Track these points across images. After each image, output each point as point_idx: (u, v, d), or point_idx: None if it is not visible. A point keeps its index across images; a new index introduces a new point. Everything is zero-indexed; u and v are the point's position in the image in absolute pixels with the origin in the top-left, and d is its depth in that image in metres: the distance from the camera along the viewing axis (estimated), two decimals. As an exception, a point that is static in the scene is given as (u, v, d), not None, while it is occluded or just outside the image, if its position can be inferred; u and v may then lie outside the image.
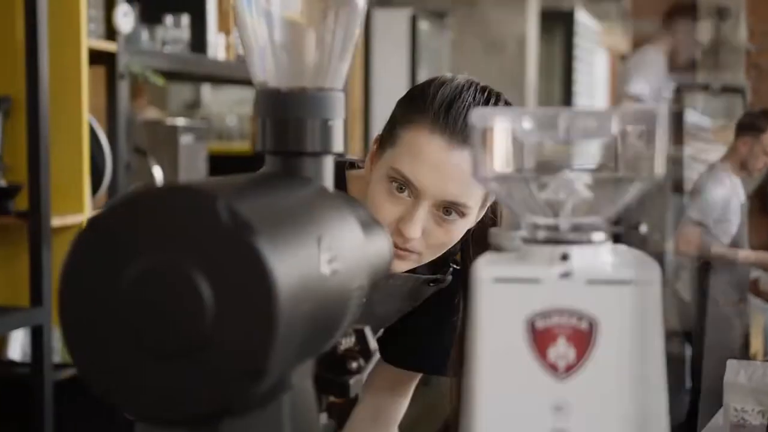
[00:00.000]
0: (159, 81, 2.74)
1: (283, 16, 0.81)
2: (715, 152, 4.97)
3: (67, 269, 0.63)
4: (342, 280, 0.70)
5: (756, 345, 4.77)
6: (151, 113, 4.31)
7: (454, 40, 5.25)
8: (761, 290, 4.65)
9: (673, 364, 4.58)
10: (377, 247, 0.84)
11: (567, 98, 7.34)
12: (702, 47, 4.31)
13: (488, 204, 1.30)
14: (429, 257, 1.27)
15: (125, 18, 2.64)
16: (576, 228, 0.70)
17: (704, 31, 8.93)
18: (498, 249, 0.77)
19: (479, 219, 1.31)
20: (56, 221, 2.42)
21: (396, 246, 1.22)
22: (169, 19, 3.02)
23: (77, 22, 2.48)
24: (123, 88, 2.69)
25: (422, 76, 5.80)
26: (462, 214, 1.23)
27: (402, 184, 1.22)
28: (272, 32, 0.81)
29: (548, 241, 0.69)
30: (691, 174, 6.13)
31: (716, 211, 4.18)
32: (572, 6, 6.89)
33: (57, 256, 2.39)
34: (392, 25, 4.84)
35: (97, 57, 2.64)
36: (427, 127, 1.20)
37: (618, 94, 4.33)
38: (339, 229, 0.74)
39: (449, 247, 1.28)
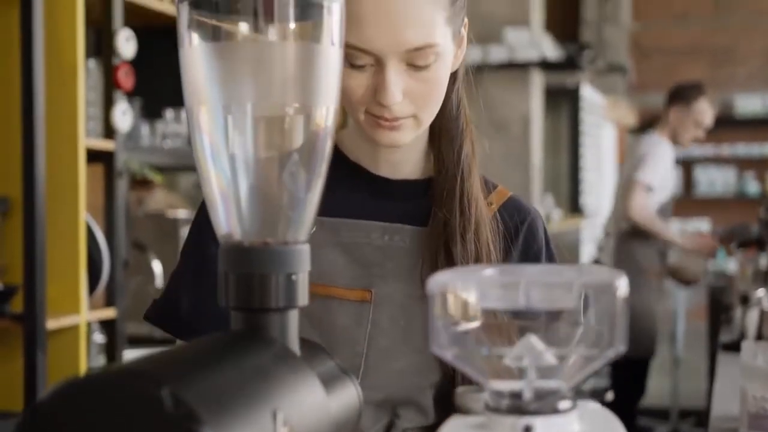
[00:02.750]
0: (157, 178, 2.74)
1: (247, 171, 0.80)
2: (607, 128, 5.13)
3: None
4: (298, 455, 0.67)
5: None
6: (160, 196, 4.33)
7: (458, 122, 5.24)
8: (680, 274, 4.70)
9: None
10: (343, 401, 0.81)
11: (574, 173, 7.34)
12: (707, 127, 4.34)
13: (463, 30, 1.18)
14: (427, 116, 1.15)
15: (124, 116, 2.66)
16: (540, 396, 0.68)
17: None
18: (463, 410, 0.75)
19: (460, 55, 1.20)
20: (52, 323, 2.41)
21: (384, 119, 1.12)
22: (169, 113, 3.04)
23: (75, 122, 2.50)
24: (121, 186, 2.70)
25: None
26: (436, 56, 1.10)
27: (358, 56, 1.09)
28: (236, 186, 0.80)
29: (512, 411, 0.67)
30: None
31: (659, 177, 4.24)
32: (577, 82, 6.93)
33: (52, 359, 2.36)
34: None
35: (95, 155, 2.65)
36: None
37: (626, 176, 4.35)
38: (298, 396, 0.72)
39: (442, 95, 1.15)
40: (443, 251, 1.16)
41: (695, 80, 4.51)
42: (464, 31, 1.19)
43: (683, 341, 5.90)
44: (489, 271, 0.71)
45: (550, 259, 1.26)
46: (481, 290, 0.68)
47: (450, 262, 1.14)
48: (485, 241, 1.18)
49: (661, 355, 7.00)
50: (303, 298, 0.80)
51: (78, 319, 2.51)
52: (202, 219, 1.23)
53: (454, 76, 1.22)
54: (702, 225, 9.98)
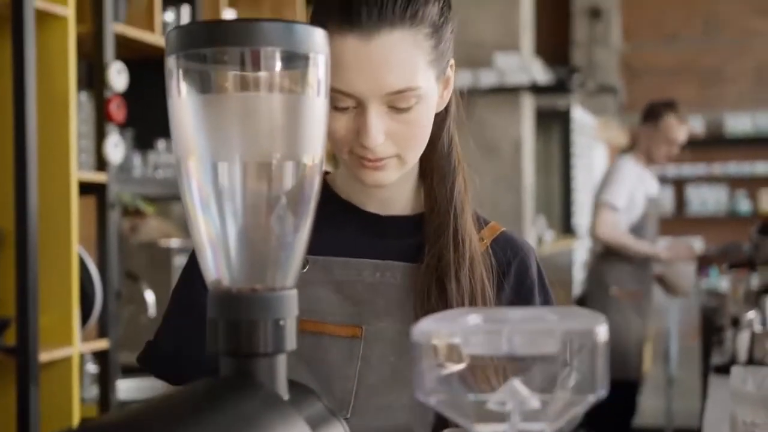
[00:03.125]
0: (149, 209, 2.75)
1: (235, 218, 0.82)
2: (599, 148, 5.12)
3: None
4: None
5: (648, 357, 4.76)
6: (153, 224, 4.33)
7: (449, 146, 5.28)
8: (668, 284, 4.68)
9: None
10: (332, 444, 0.83)
11: (566, 194, 7.37)
12: (680, 143, 4.35)
13: (448, 69, 1.18)
14: (411, 156, 1.16)
15: (116, 149, 2.67)
16: (524, 440, 0.69)
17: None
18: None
19: (446, 96, 1.20)
20: (45, 356, 2.41)
21: (368, 159, 1.13)
22: (161, 143, 3.06)
23: (67, 155, 2.51)
24: (113, 218, 2.71)
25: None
26: (417, 98, 1.11)
27: (341, 98, 1.10)
28: (224, 233, 0.82)
29: (497, 456, 0.68)
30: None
31: (625, 197, 4.24)
32: (568, 104, 6.97)
33: (45, 391, 2.37)
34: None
35: (88, 187, 2.66)
36: (335, 33, 1.08)
37: (594, 198, 4.39)
38: (287, 442, 0.73)
39: (426, 135, 1.16)
40: (436, 288, 1.17)
41: (668, 99, 4.53)
42: (451, 72, 1.20)
43: (677, 360, 5.91)
44: (473, 318, 0.72)
45: (544, 293, 1.27)
46: (465, 337, 0.69)
47: (443, 298, 1.16)
48: (479, 277, 1.19)
49: (655, 374, 7.03)
50: (291, 342, 0.81)
51: (71, 351, 2.52)
52: (193, 263, 1.25)
53: (444, 114, 1.23)
54: (695, 244, 10.01)
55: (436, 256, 1.19)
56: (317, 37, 0.80)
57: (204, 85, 0.79)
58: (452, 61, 1.20)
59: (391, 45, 1.08)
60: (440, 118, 1.20)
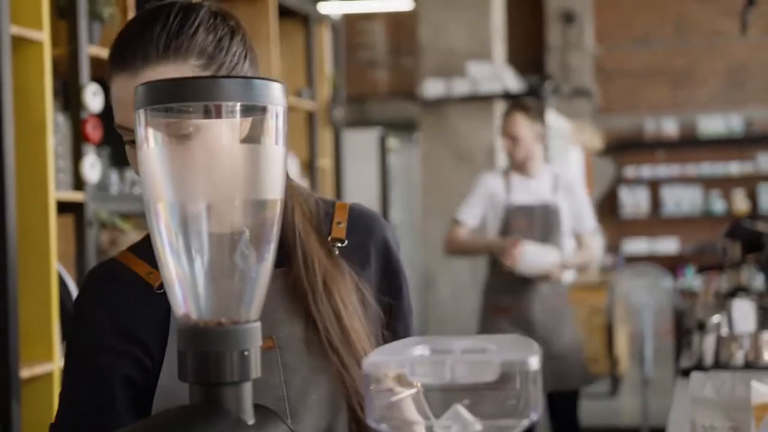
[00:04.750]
0: (126, 226, 2.81)
1: (201, 258, 0.88)
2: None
3: None
4: None
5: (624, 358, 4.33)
6: (132, 237, 4.37)
7: (423, 154, 5.39)
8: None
9: None
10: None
11: (541, 199, 7.44)
12: (512, 134, 4.07)
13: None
14: None
15: (92, 168, 2.73)
16: (467, 461, 0.76)
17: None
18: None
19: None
20: (25, 372, 2.46)
21: None
22: (137, 160, 3.11)
23: (45, 175, 2.56)
24: (91, 236, 2.76)
25: (393, 191, 5.93)
26: (195, 129, 1.10)
27: (126, 134, 1.21)
28: (192, 271, 0.88)
29: (441, 474, 0.75)
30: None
31: (470, 206, 4.10)
32: (542, 108, 7.05)
33: (26, 407, 2.41)
34: (362, 144, 4.96)
35: (65, 206, 2.71)
36: (113, 75, 1.19)
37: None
38: (251, 465, 0.80)
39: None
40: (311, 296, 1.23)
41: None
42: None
43: (653, 360, 6.01)
44: (418, 350, 0.79)
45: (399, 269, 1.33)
46: (411, 368, 0.76)
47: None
48: (338, 294, 1.25)
49: (631, 374, 7.13)
50: (256, 370, 0.88)
51: (51, 367, 2.57)
52: (85, 325, 1.25)
53: None
54: (670, 244, 10.16)
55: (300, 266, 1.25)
56: (274, 91, 0.86)
57: (170, 137, 0.86)
58: None
59: (154, 78, 1.15)
60: None
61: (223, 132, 0.88)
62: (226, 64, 1.21)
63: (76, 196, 2.73)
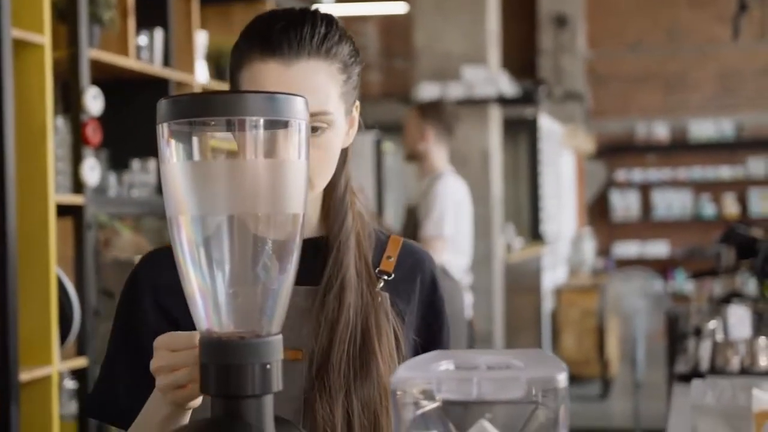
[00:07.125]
0: (124, 230, 2.81)
1: (223, 272, 0.89)
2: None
3: None
4: None
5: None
6: (127, 237, 4.36)
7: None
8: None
9: None
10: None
11: (534, 202, 7.47)
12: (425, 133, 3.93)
13: (354, 111, 1.27)
14: (320, 181, 1.22)
15: (92, 171, 2.72)
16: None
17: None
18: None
19: (351, 134, 1.28)
20: (24, 375, 2.46)
21: None
22: (136, 163, 3.11)
23: (45, 178, 2.56)
24: (90, 238, 2.76)
25: (388, 196, 5.93)
26: (328, 124, 1.19)
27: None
28: (214, 286, 0.88)
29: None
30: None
31: (447, 219, 3.80)
32: (535, 113, 7.07)
33: (25, 410, 2.41)
34: (357, 147, 4.93)
35: (65, 209, 2.71)
36: (257, 60, 1.18)
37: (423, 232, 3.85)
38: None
39: (334, 163, 1.23)
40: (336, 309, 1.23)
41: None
42: (356, 113, 1.28)
43: (645, 362, 6.02)
44: (443, 365, 0.79)
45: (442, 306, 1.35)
46: (437, 384, 0.77)
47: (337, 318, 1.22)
48: (374, 321, 1.24)
49: (623, 377, 7.14)
50: (277, 383, 0.88)
51: (50, 370, 2.56)
52: (130, 295, 1.27)
53: (344, 154, 1.29)
54: (661, 247, 10.18)
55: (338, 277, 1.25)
56: (297, 105, 0.87)
57: (193, 151, 0.86)
58: (358, 103, 1.28)
59: (307, 71, 1.17)
60: (341, 159, 1.27)
61: (246, 146, 0.87)
62: (353, 77, 1.24)
63: (75, 199, 2.73)
